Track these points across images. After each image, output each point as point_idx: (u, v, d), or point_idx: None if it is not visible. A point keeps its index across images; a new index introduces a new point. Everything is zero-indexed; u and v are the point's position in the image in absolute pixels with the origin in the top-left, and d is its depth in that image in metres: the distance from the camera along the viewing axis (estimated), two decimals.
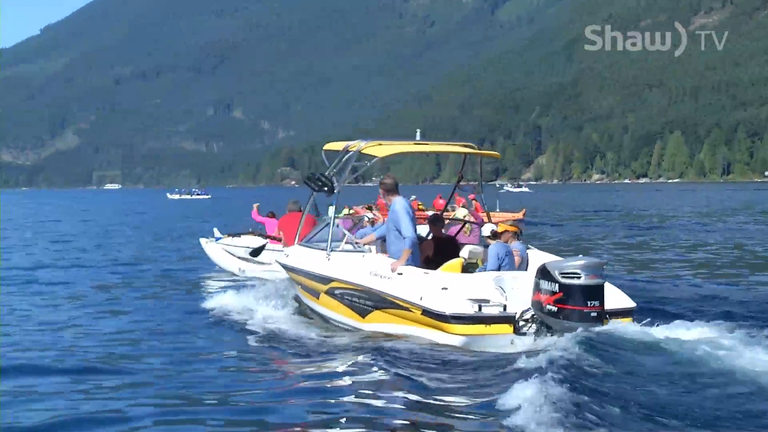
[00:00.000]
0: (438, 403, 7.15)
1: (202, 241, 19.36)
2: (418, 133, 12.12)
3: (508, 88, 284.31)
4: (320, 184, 11.14)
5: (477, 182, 12.48)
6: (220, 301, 12.34)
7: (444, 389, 7.50)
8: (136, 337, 10.64)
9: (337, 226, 11.35)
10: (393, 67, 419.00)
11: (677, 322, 9.05)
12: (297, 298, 12.24)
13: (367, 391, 7.57)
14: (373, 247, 11.04)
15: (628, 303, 9.38)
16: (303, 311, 11.74)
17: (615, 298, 9.32)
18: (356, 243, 10.90)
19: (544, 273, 8.69)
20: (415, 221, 10.33)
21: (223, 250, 18.38)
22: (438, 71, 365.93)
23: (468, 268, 10.39)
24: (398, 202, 10.21)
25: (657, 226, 36.27)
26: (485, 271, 10.12)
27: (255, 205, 19.51)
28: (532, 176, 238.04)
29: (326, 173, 11.37)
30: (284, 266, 12.32)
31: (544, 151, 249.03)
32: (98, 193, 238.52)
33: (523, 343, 8.78)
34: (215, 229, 19.80)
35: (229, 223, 31.43)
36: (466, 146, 12.02)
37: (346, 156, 11.27)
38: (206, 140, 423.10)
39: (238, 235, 18.70)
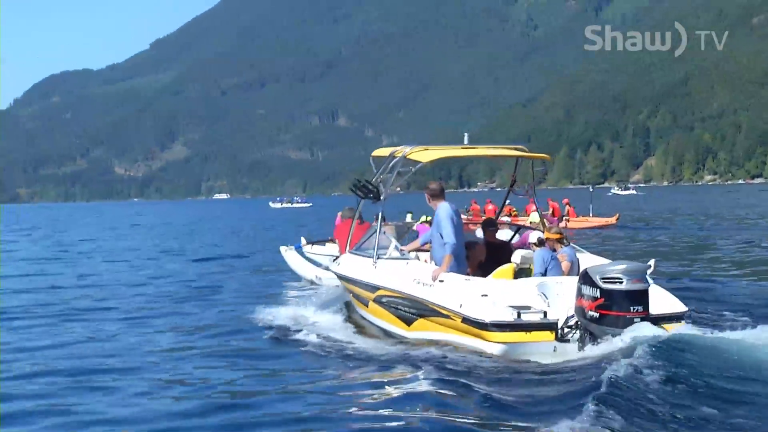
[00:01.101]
0: (472, 420, 6.87)
1: (282, 249, 19.36)
2: (466, 137, 11.86)
3: (614, 89, 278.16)
4: (366, 191, 11.03)
5: (529, 185, 12.08)
6: (281, 308, 12.35)
7: (483, 404, 7.22)
8: (183, 342, 10.80)
9: (384, 233, 11.19)
10: (497, 72, 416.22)
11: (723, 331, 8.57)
12: (350, 306, 12.14)
13: (396, 404, 7.38)
14: (424, 255, 10.87)
15: (679, 307, 8.95)
16: (355, 319, 11.61)
17: (665, 302, 8.91)
18: (401, 250, 10.72)
19: (585, 278, 8.35)
20: (460, 227, 10.09)
21: (300, 258, 18.33)
22: (543, 74, 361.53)
23: (520, 273, 10.11)
24: (442, 208, 10.03)
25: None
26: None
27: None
28: (642, 178, 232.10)
29: (373, 180, 11.25)
30: (337, 274, 12.25)
31: (653, 152, 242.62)
32: (207, 203, 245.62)
33: (567, 350, 8.47)
34: (303, 238, 19.82)
35: (317, 231, 31.57)
36: (515, 149, 11.70)
37: (392, 162, 11.10)
38: (311, 148, 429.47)
39: (322, 242, 18.64)
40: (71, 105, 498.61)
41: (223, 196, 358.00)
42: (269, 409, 7.39)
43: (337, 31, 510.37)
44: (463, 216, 37.76)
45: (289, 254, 18.84)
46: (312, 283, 17.07)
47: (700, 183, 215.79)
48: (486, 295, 8.83)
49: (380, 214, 11.31)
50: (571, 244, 11.36)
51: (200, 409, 7.47)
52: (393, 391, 7.82)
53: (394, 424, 6.80)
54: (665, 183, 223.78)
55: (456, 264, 9.77)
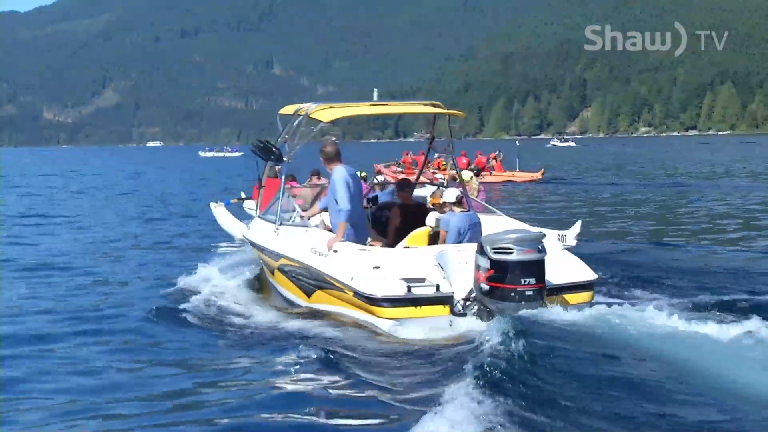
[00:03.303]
0: (346, 402, 6.56)
1: (212, 205, 18.10)
2: (375, 93, 11.34)
3: (552, 41, 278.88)
4: (267, 152, 10.53)
5: (448, 142, 11.62)
6: (191, 274, 11.51)
7: (362, 384, 6.88)
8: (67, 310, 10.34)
9: (288, 197, 10.72)
10: (435, 25, 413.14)
11: (633, 302, 8.29)
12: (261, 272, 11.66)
13: (277, 384, 7.04)
14: (325, 219, 10.39)
15: (588, 275, 8.56)
16: (254, 285, 11.15)
17: (573, 270, 8.55)
18: (302, 216, 10.26)
19: (480, 248, 7.88)
20: (358, 192, 9.66)
21: (229, 215, 17.24)
22: (480, 27, 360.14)
23: (437, 237, 9.59)
24: (337, 172, 9.44)
25: (686, 184, 34.94)
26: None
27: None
28: (577, 130, 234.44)
29: (279, 139, 10.77)
30: (248, 240, 11.77)
31: (589, 104, 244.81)
32: (138, 150, 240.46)
33: (465, 326, 8.00)
34: (242, 192, 18.76)
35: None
36: (430, 104, 11.14)
37: (296, 121, 10.59)
38: (246, 97, 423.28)
39: (250, 198, 17.71)
40: None
41: (157, 143, 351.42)
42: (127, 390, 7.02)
43: None
44: (395, 168, 37.06)
45: (218, 211, 17.63)
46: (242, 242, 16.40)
47: (635, 135, 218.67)
48: (378, 267, 8.38)
49: (283, 176, 10.85)
50: (485, 205, 10.98)
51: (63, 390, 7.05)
52: (263, 374, 7.39)
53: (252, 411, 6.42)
54: (601, 135, 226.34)
55: (353, 231, 9.31)
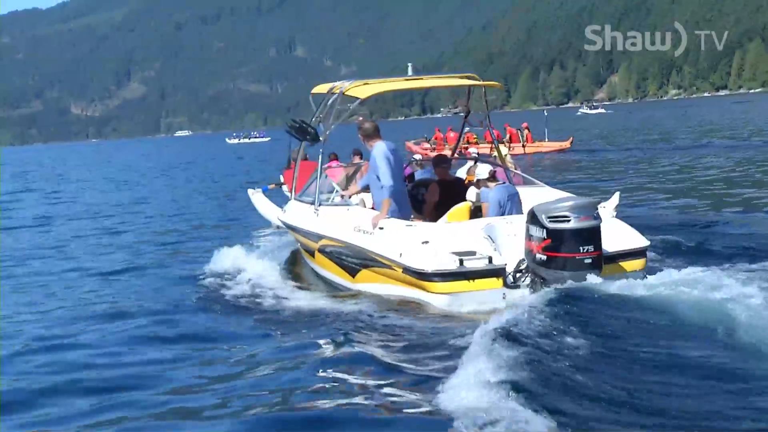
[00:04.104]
0: (382, 381, 6.31)
1: (249, 192, 17.75)
2: (410, 68, 11.01)
3: (574, 8, 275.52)
4: (303, 132, 10.30)
5: (485, 114, 11.34)
6: (227, 257, 11.22)
7: (401, 364, 6.63)
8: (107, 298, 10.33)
9: (326, 177, 10.51)
10: None
11: (690, 268, 7.90)
12: (300, 255, 11.46)
13: (317, 367, 6.80)
14: (365, 198, 10.18)
15: (640, 242, 8.31)
16: (293, 269, 10.93)
17: (624, 237, 8.30)
18: (342, 195, 10.05)
19: (532, 218, 7.62)
20: (399, 167, 9.42)
21: (267, 201, 16.74)
22: None
23: (477, 212, 9.38)
24: (377, 148, 9.21)
25: (726, 146, 34.09)
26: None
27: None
28: (606, 96, 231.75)
29: (313, 119, 10.52)
30: (283, 223, 11.57)
31: (616, 70, 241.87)
32: (169, 140, 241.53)
33: (518, 298, 7.73)
34: (281, 177, 18.38)
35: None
36: (466, 77, 10.87)
37: (331, 99, 10.34)
38: (270, 81, 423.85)
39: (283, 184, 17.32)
40: (23, 45, 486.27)
41: (185, 132, 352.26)
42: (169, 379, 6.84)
43: None
44: (426, 145, 36.87)
45: (256, 197, 17.26)
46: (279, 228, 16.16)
47: (664, 98, 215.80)
48: (427, 242, 8.14)
49: (320, 156, 10.60)
50: (523, 175, 10.73)
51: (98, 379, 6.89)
52: (307, 358, 7.10)
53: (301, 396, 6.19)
54: (630, 100, 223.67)
55: (397, 208, 9.07)
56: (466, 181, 10.31)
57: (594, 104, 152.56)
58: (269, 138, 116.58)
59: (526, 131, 37.19)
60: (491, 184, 9.45)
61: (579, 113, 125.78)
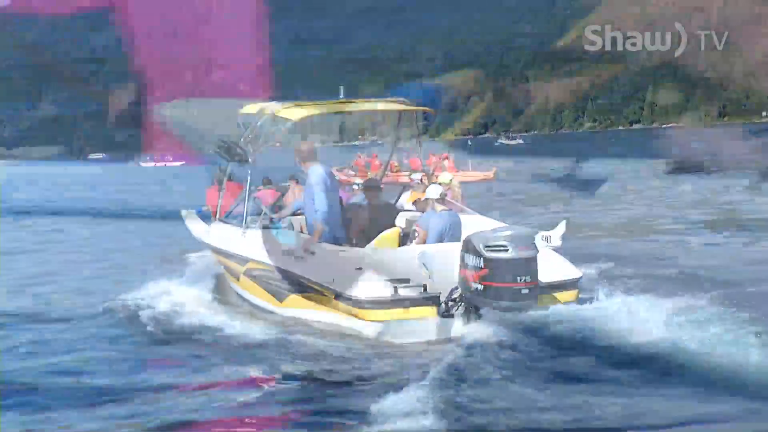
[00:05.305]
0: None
1: (183, 213, 17.27)
2: (341, 90, 10.81)
3: (492, 43, 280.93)
4: (231, 153, 10.02)
5: (417, 140, 11.26)
6: (150, 283, 10.77)
7: (334, 390, 6.55)
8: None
9: (254, 199, 10.24)
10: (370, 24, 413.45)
11: (621, 296, 7.97)
12: (223, 280, 11.09)
13: (250, 402, 6.54)
14: (294, 221, 9.94)
15: (573, 273, 8.34)
16: (216, 294, 10.57)
17: (557, 268, 8.29)
18: (271, 219, 9.77)
19: (469, 246, 7.54)
20: (335, 191, 9.23)
21: (201, 223, 16.33)
22: (417, 29, 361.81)
23: (407, 238, 9.23)
24: (313, 172, 9.04)
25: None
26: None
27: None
28: (522, 127, 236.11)
29: (242, 140, 10.23)
30: (207, 245, 11.21)
31: (532, 102, 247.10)
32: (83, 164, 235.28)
33: (452, 328, 7.71)
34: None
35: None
36: (398, 101, 10.70)
37: (261, 120, 10.07)
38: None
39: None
40: None
41: (99, 155, 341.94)
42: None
43: None
44: (351, 172, 36.09)
45: (189, 219, 16.87)
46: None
47: (580, 130, 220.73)
48: (360, 268, 7.99)
49: (248, 177, 10.30)
50: (460, 206, 10.62)
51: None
52: (227, 393, 6.81)
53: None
54: (546, 131, 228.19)
55: (331, 233, 8.91)
56: (408, 201, 10.12)
57: (512, 135, 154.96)
58: (182, 162, 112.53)
59: (446, 161, 37.35)
60: (438, 207, 9.23)
61: (498, 143, 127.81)
